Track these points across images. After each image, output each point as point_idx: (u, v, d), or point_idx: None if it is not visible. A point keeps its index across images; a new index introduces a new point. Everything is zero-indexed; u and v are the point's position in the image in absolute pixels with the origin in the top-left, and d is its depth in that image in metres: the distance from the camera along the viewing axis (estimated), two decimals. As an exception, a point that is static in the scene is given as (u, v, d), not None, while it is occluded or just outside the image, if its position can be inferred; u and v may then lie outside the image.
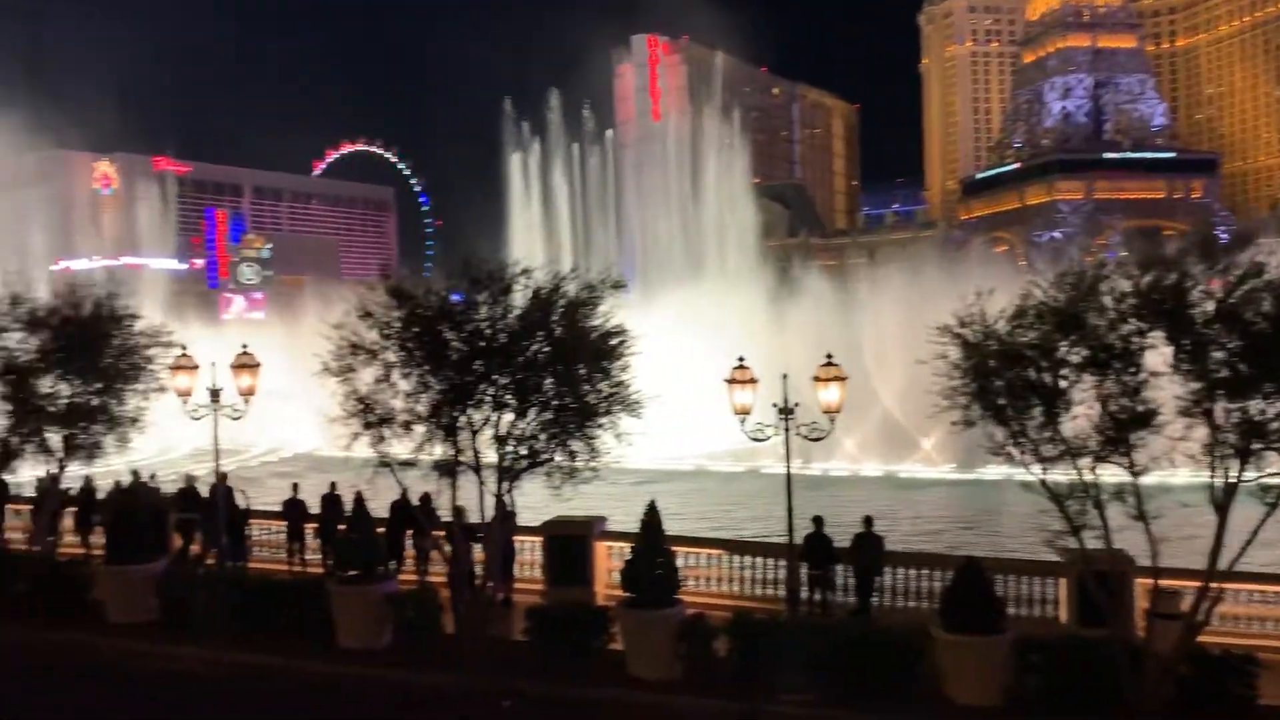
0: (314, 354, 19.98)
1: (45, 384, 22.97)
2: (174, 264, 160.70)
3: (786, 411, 21.50)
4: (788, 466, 21.03)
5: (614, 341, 19.48)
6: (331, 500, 26.77)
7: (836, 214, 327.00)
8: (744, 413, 22.08)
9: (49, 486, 25.76)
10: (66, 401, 22.92)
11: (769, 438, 22.09)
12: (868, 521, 22.38)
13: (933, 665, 17.97)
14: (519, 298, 19.70)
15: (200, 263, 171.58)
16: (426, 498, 22.55)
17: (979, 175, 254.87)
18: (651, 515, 20.01)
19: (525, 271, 19.79)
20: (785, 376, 21.87)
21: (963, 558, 19.57)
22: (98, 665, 21.03)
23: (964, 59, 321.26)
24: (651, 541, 19.93)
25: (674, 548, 21.06)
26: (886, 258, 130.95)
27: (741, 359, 22.31)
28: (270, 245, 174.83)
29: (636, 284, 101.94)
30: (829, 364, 21.57)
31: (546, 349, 19.16)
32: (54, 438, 23.44)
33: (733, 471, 52.87)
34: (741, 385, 21.86)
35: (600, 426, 19.17)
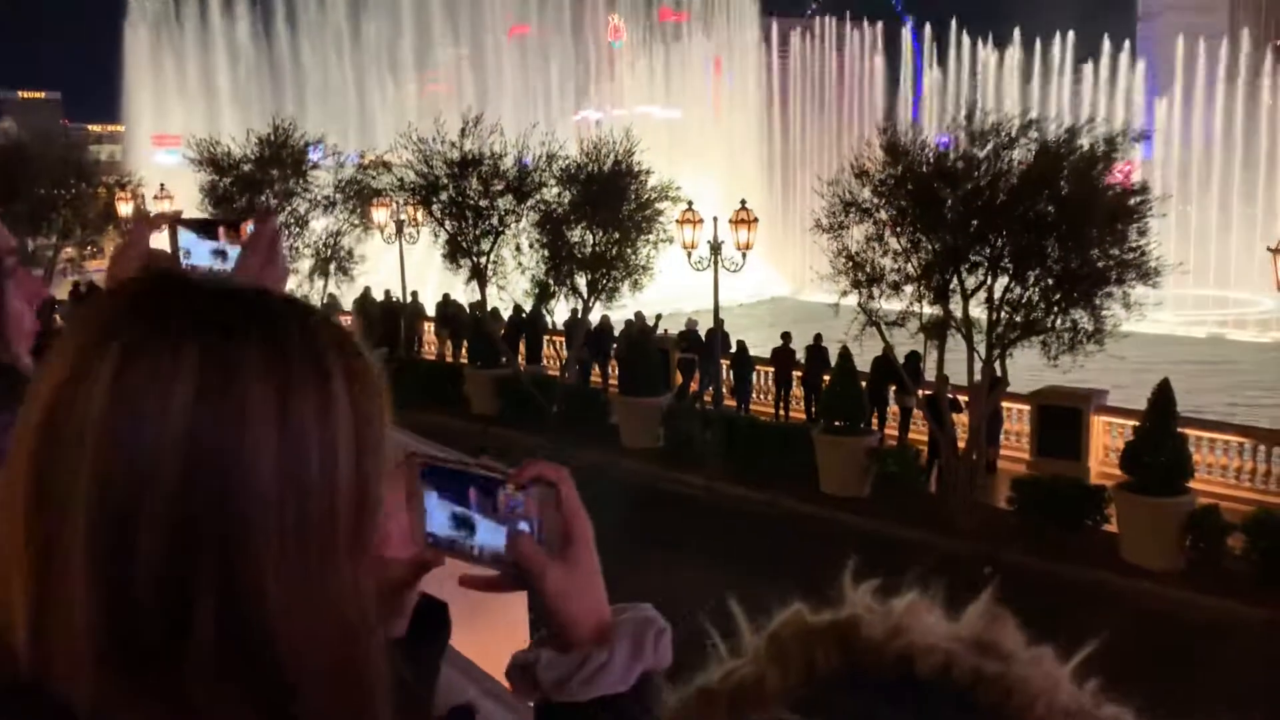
0: (809, 210, 20.44)
1: (575, 234, 25.78)
2: (675, 114, 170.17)
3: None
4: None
5: (1133, 201, 17.67)
6: (816, 351, 27.47)
7: None
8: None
9: (575, 323, 29.13)
10: (590, 249, 25.63)
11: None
12: None
13: None
14: (1020, 153, 18.49)
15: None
16: (914, 355, 22.45)
17: None
18: (1162, 393, 18.25)
19: (1032, 123, 18.43)
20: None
21: None
22: (614, 482, 23.66)
23: None
24: (1161, 422, 18.22)
25: (1186, 430, 19.13)
26: None
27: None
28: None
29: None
30: None
31: (1052, 209, 17.86)
32: (581, 281, 26.38)
33: (1258, 342, 46.31)
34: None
35: (1109, 295, 17.67)
